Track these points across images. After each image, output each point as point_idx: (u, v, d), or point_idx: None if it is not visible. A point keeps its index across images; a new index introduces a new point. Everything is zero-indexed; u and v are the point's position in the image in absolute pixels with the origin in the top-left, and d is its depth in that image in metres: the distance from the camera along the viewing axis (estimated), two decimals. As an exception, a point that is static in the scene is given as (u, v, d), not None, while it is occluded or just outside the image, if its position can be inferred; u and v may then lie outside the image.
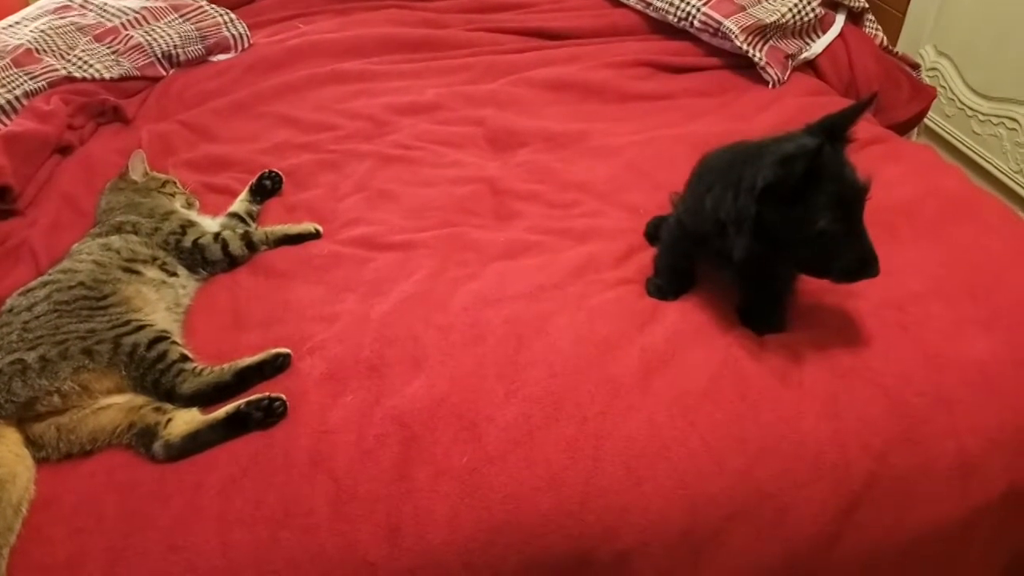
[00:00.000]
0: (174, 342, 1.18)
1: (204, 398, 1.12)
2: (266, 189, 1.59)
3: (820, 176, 1.02)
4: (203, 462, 1.06)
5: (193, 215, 1.49)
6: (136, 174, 1.52)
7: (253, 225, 1.51)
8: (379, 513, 1.01)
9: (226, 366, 1.15)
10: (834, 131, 1.08)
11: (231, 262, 1.40)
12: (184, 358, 1.16)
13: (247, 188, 1.58)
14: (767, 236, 1.05)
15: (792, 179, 1.01)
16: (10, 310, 1.20)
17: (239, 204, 1.55)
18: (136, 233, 1.38)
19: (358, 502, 1.01)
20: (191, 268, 1.38)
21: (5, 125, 1.72)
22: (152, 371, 1.13)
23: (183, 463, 1.06)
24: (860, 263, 1.06)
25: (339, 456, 1.06)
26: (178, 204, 1.50)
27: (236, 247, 1.40)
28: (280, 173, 1.62)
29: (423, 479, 1.03)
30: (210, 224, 1.48)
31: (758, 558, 1.05)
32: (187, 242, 1.38)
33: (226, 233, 1.42)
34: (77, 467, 1.07)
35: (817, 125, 1.09)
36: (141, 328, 1.17)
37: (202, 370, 1.14)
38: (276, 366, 1.17)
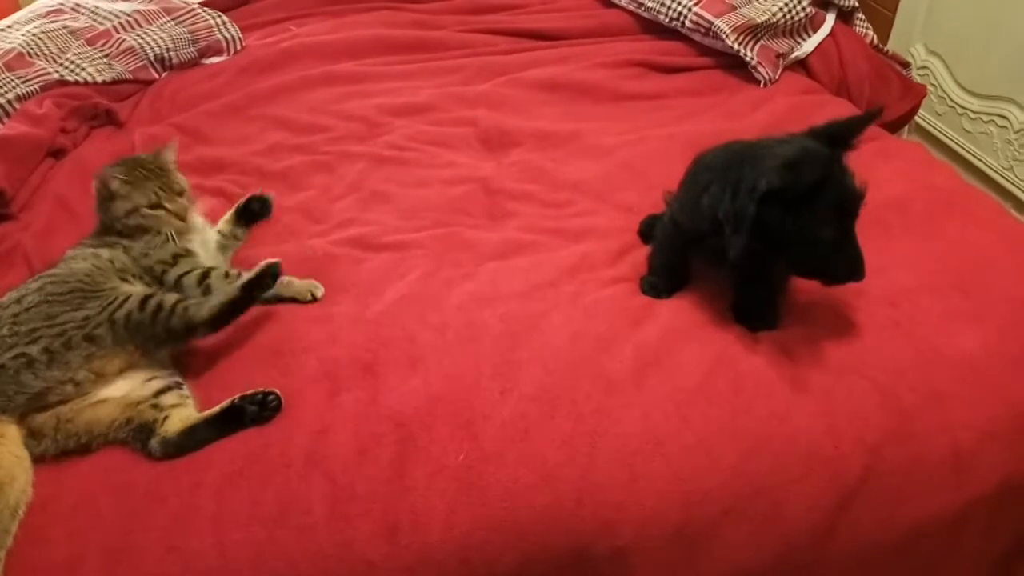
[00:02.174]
0: (163, 293, 1.19)
1: (224, 317, 1.16)
2: (253, 213, 1.50)
3: (823, 185, 1.03)
4: (199, 462, 1.06)
5: (193, 244, 1.37)
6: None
7: (238, 244, 1.46)
8: (376, 512, 1.01)
9: (230, 287, 1.20)
10: (838, 138, 1.09)
11: None
12: (181, 299, 1.18)
13: (233, 210, 1.50)
14: (763, 237, 1.06)
15: (799, 187, 1.01)
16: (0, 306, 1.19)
17: (225, 224, 1.48)
18: (126, 253, 1.30)
19: (355, 501, 1.02)
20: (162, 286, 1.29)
21: (-3, 129, 1.72)
22: (156, 324, 1.14)
23: (179, 463, 1.06)
24: (850, 268, 1.09)
25: (336, 455, 1.06)
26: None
27: (192, 284, 1.28)
28: (269, 197, 1.53)
29: (420, 478, 1.04)
30: (206, 249, 1.39)
31: (754, 552, 1.05)
32: (171, 277, 1.28)
33: (213, 279, 1.28)
34: (75, 468, 1.07)
35: (822, 129, 1.10)
36: (127, 298, 1.16)
37: (210, 297, 1.19)
38: (272, 275, 1.21)
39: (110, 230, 1.34)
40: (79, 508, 1.02)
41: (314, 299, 1.32)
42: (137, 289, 1.22)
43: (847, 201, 1.06)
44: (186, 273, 1.29)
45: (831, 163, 1.05)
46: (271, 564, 0.97)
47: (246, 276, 1.21)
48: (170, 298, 1.17)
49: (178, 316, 1.15)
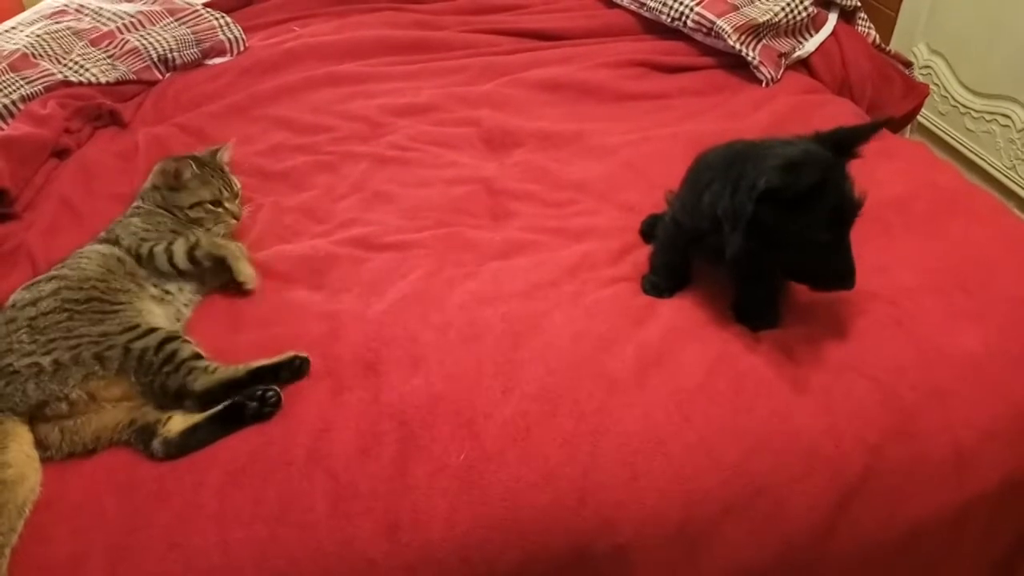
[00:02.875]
0: (186, 341, 1.16)
1: (216, 395, 1.11)
2: None
3: (822, 189, 1.02)
4: (202, 461, 1.06)
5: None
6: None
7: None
8: (378, 510, 1.01)
9: (240, 366, 1.13)
10: (843, 145, 1.09)
11: (180, 273, 1.32)
12: (197, 356, 1.14)
13: None
14: (759, 237, 1.06)
15: (796, 188, 1.01)
16: (13, 305, 1.20)
17: None
18: (129, 254, 1.32)
19: (357, 499, 1.02)
20: (152, 275, 1.31)
21: (2, 129, 1.72)
22: (159, 374, 1.12)
23: (182, 462, 1.06)
24: (839, 275, 1.09)
25: (338, 454, 1.06)
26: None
27: (180, 259, 1.31)
28: None
29: (421, 476, 1.04)
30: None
31: (755, 551, 1.05)
32: (144, 249, 1.32)
33: (176, 243, 1.33)
34: (78, 467, 1.07)
35: (828, 135, 1.10)
36: (151, 331, 1.16)
37: (216, 368, 1.13)
38: (293, 369, 1.15)
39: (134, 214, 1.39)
40: (83, 507, 1.02)
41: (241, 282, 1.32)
42: (162, 324, 1.22)
43: (844, 208, 1.06)
44: (157, 243, 1.33)
45: (832, 168, 1.05)
46: (273, 562, 0.97)
47: (262, 362, 1.14)
48: (186, 351, 1.14)
49: (180, 376, 1.11)
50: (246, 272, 1.33)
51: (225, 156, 1.53)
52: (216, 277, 1.35)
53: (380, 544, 0.99)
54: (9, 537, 0.98)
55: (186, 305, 1.32)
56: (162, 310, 1.27)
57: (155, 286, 1.30)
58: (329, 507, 1.01)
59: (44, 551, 0.98)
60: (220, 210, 1.44)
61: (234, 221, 1.46)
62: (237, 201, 1.49)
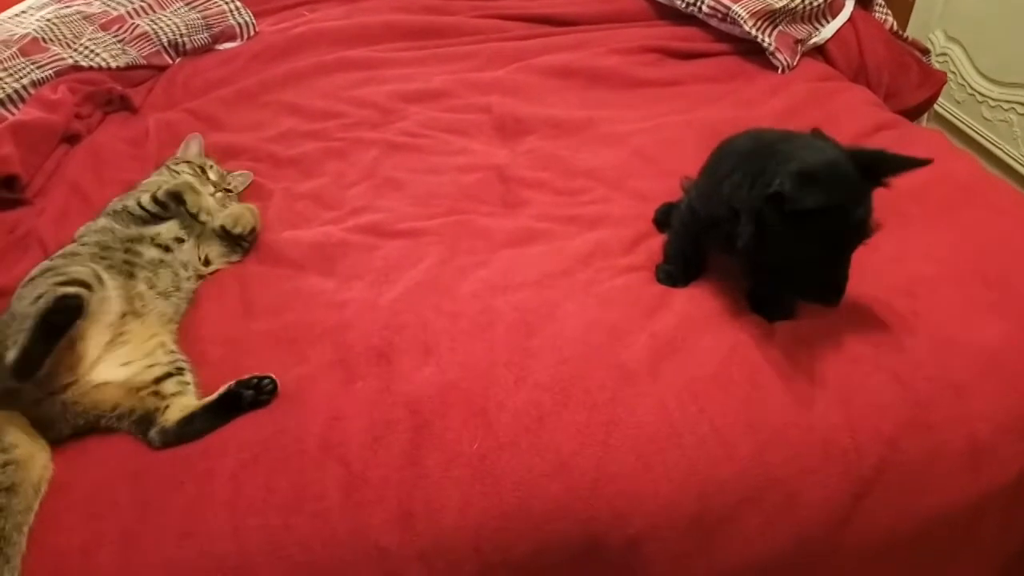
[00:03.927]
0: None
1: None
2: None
3: (834, 211, 0.99)
4: (214, 449, 1.06)
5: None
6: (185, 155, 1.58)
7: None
8: (390, 499, 1.01)
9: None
10: (875, 169, 1.05)
11: (152, 216, 1.37)
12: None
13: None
14: (762, 233, 1.05)
15: (803, 205, 0.98)
16: (18, 299, 1.19)
17: None
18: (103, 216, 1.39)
19: (369, 488, 1.02)
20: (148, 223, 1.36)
21: (12, 114, 1.72)
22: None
23: (194, 451, 1.06)
24: (826, 291, 1.06)
25: (350, 442, 1.06)
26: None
27: (147, 202, 1.37)
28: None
29: (434, 465, 1.03)
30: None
31: (769, 543, 1.05)
32: (119, 206, 1.39)
33: (144, 193, 1.40)
34: (91, 454, 1.07)
35: (864, 154, 1.06)
36: None
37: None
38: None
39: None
40: (95, 494, 1.02)
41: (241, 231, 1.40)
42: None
43: (851, 232, 1.03)
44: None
45: (851, 190, 1.01)
46: (286, 550, 0.97)
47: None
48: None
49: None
50: (198, 203, 1.38)
51: (240, 179, 1.62)
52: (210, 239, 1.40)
53: (393, 533, 0.99)
54: (27, 516, 0.98)
55: (185, 269, 1.31)
56: (158, 288, 1.25)
57: (153, 242, 1.31)
58: (342, 496, 1.01)
59: (57, 539, 0.98)
60: (208, 184, 1.52)
61: (222, 204, 1.49)
62: (229, 197, 1.55)
